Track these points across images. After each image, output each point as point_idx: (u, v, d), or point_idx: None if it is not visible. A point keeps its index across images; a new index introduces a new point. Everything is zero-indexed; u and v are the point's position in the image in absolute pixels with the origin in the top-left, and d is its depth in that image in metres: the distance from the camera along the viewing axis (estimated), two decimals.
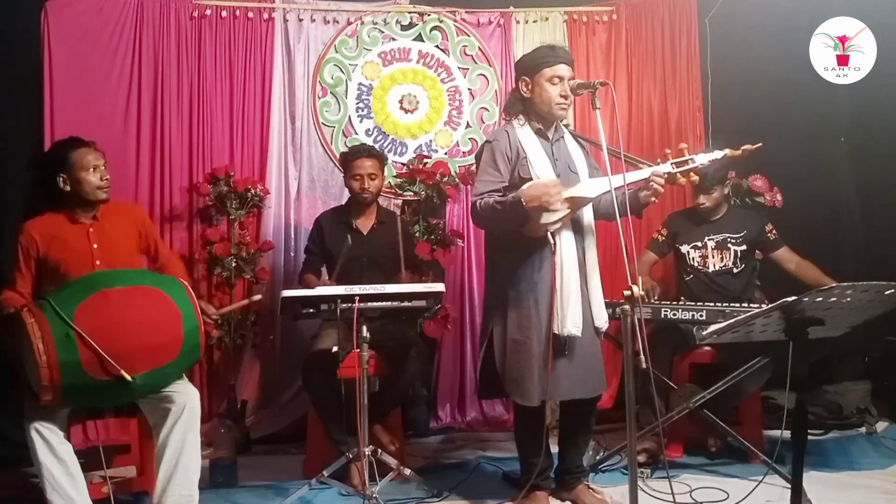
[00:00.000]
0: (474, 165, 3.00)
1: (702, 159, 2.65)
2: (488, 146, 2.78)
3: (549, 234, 2.64)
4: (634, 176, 2.67)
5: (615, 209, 2.35)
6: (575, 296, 2.65)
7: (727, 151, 2.69)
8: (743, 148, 2.71)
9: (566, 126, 2.90)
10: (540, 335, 2.67)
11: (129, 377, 2.35)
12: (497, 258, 2.83)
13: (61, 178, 2.74)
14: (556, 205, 2.55)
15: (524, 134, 2.74)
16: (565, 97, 2.70)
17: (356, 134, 4.23)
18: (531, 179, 2.65)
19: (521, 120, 2.78)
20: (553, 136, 2.79)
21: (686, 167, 2.65)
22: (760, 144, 2.73)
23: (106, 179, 2.79)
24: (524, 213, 2.56)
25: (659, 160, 2.70)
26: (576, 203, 2.65)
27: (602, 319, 2.77)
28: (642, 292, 3.33)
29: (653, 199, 2.67)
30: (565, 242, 2.67)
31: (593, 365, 2.75)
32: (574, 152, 2.81)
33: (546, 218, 2.59)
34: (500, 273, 2.79)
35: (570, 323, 2.63)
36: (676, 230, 3.69)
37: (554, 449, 2.97)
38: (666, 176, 2.64)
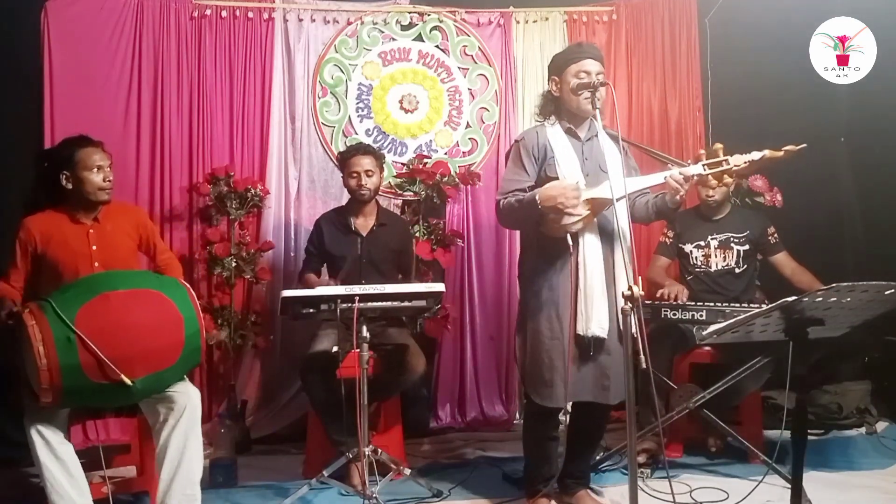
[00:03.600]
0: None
1: (737, 160, 2.53)
2: (516, 145, 2.79)
3: (567, 235, 2.62)
4: (654, 179, 2.64)
5: (647, 212, 2.33)
6: (600, 297, 2.62)
7: (766, 153, 2.54)
8: (785, 149, 2.54)
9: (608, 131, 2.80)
10: (562, 337, 2.64)
11: (129, 381, 2.35)
12: (525, 258, 2.85)
13: (64, 176, 2.74)
14: (571, 209, 2.54)
15: (553, 133, 2.74)
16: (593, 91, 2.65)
17: (356, 134, 4.23)
18: (557, 179, 2.64)
19: (552, 120, 2.77)
20: (585, 135, 2.76)
21: (720, 169, 2.55)
22: (805, 145, 2.54)
23: (109, 181, 2.79)
24: (538, 212, 2.57)
25: (689, 161, 2.65)
26: (597, 204, 2.61)
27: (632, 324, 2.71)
28: (671, 295, 3.35)
29: (678, 200, 2.61)
30: (589, 243, 2.65)
31: (615, 371, 2.67)
32: (608, 152, 2.68)
33: (564, 219, 2.58)
34: (526, 273, 2.81)
35: (594, 324, 2.61)
36: (681, 230, 3.69)
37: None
38: (696, 178, 2.58)
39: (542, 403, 2.68)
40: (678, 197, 2.60)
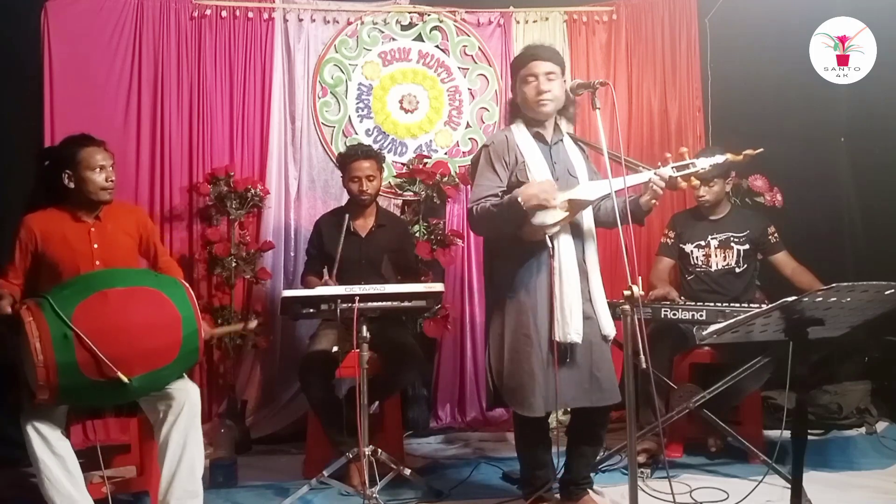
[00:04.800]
0: (470, 169, 2.96)
1: (703, 163, 2.63)
2: (485, 150, 2.75)
3: (547, 237, 2.60)
4: (634, 180, 2.64)
5: (616, 216, 2.32)
6: (576, 302, 2.59)
7: (728, 156, 2.67)
8: (744, 153, 2.69)
9: (569, 134, 2.85)
10: (541, 343, 2.61)
11: (125, 379, 2.34)
12: (495, 265, 2.78)
13: (66, 175, 2.74)
14: (553, 202, 2.52)
15: (522, 138, 2.70)
16: (543, 93, 2.64)
17: (356, 134, 4.23)
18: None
19: (518, 124, 2.75)
20: (552, 139, 2.75)
21: (687, 171, 2.63)
22: (762, 150, 2.71)
23: (111, 181, 2.79)
24: (522, 213, 2.53)
25: (659, 164, 2.67)
26: (575, 206, 2.60)
27: (609, 326, 2.67)
28: (641, 292, 3.36)
29: (653, 202, 2.64)
30: (564, 247, 2.62)
31: (602, 373, 2.64)
32: (574, 156, 2.76)
33: (542, 219, 2.55)
34: (497, 280, 2.74)
35: (571, 330, 2.57)
36: (681, 230, 3.70)
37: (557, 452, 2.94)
38: (667, 180, 2.61)
39: (523, 414, 2.63)
40: (654, 199, 2.62)
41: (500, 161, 2.68)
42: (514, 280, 2.67)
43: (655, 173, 2.61)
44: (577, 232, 2.68)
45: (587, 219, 2.72)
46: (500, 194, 2.64)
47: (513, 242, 2.66)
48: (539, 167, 2.66)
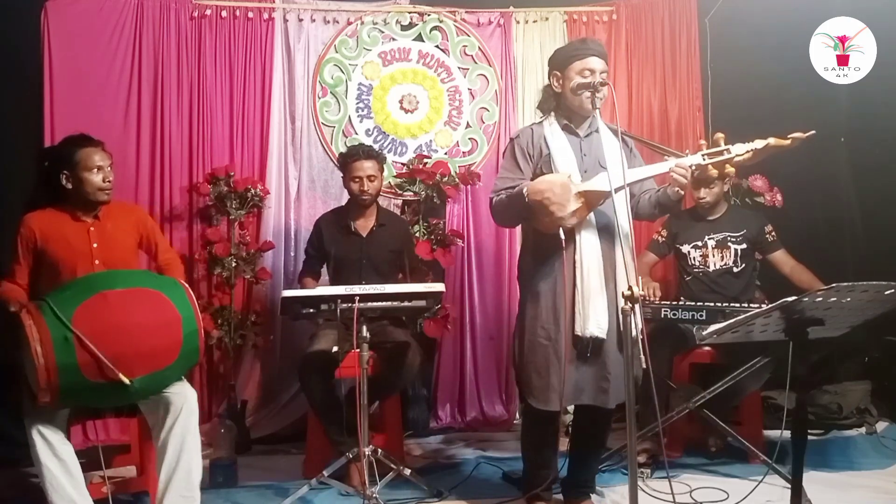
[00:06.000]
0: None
1: (738, 149, 2.46)
2: (511, 143, 2.76)
3: (560, 230, 2.54)
4: (655, 169, 2.60)
5: (650, 208, 2.27)
6: (598, 296, 2.55)
7: (771, 140, 2.46)
8: (792, 136, 2.45)
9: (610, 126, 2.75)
10: (558, 336, 2.59)
11: (126, 381, 2.35)
12: (523, 257, 2.81)
13: (64, 175, 2.75)
14: (557, 205, 2.49)
15: (550, 130, 2.69)
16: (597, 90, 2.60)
17: (356, 134, 4.23)
18: None
19: (550, 116, 2.72)
20: (584, 131, 2.71)
21: (720, 158, 2.47)
22: (813, 132, 2.47)
23: (109, 181, 2.79)
24: (526, 206, 2.53)
25: (687, 151, 2.59)
26: (591, 197, 2.53)
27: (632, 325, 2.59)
28: (642, 292, 3.35)
29: (679, 192, 2.56)
30: (586, 240, 2.58)
31: (613, 374, 2.60)
32: (609, 147, 2.58)
33: (556, 213, 2.50)
34: (523, 272, 2.77)
35: (592, 324, 2.54)
36: (676, 231, 3.69)
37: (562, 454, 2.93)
38: (695, 169, 2.50)
39: (538, 407, 2.63)
40: (678, 189, 2.54)
41: (523, 154, 2.69)
42: (535, 273, 2.67)
43: (677, 164, 2.51)
44: (603, 226, 2.62)
45: (620, 213, 2.54)
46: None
47: (536, 235, 2.65)
48: (565, 160, 2.63)
